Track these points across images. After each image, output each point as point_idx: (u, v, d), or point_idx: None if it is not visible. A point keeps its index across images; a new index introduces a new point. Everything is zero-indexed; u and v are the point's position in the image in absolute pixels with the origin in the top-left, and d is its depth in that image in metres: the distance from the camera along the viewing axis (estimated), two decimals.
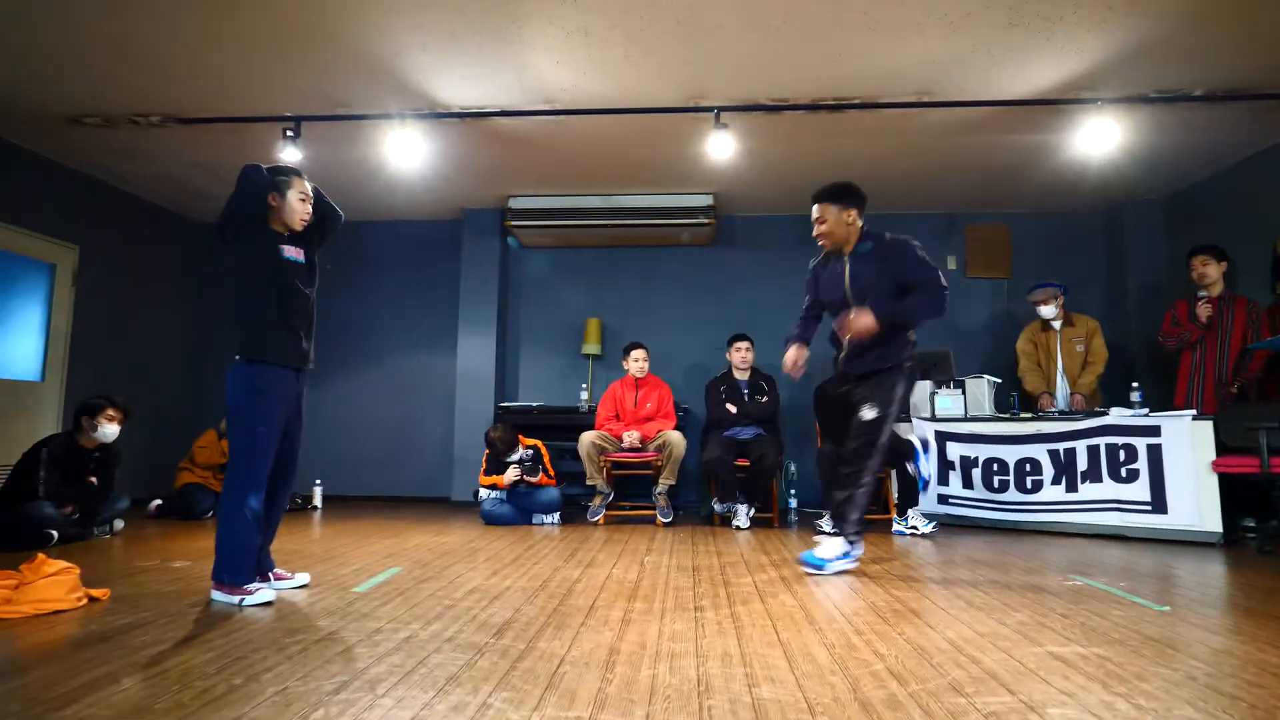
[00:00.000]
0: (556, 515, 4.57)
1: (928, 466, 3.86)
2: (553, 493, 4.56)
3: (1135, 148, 4.57)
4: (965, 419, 4.74)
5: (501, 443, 4.53)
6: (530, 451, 4.56)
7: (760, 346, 5.08)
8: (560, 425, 5.51)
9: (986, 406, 4.83)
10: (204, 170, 5.19)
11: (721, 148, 4.31)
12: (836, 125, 4.45)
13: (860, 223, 3.10)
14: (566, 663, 1.71)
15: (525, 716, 1.38)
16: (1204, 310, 4.28)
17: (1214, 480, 3.87)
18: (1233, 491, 3.95)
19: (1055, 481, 4.30)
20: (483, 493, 4.54)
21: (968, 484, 4.58)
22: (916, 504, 4.29)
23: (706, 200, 5.72)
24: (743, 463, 4.60)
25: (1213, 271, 4.32)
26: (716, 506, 4.64)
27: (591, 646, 1.85)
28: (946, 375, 4.90)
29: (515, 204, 5.83)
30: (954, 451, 4.65)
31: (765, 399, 4.89)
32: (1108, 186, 5.37)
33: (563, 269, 6.29)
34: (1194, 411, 4.02)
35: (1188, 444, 3.94)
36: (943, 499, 4.62)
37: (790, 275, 6.06)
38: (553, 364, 6.22)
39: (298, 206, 2.44)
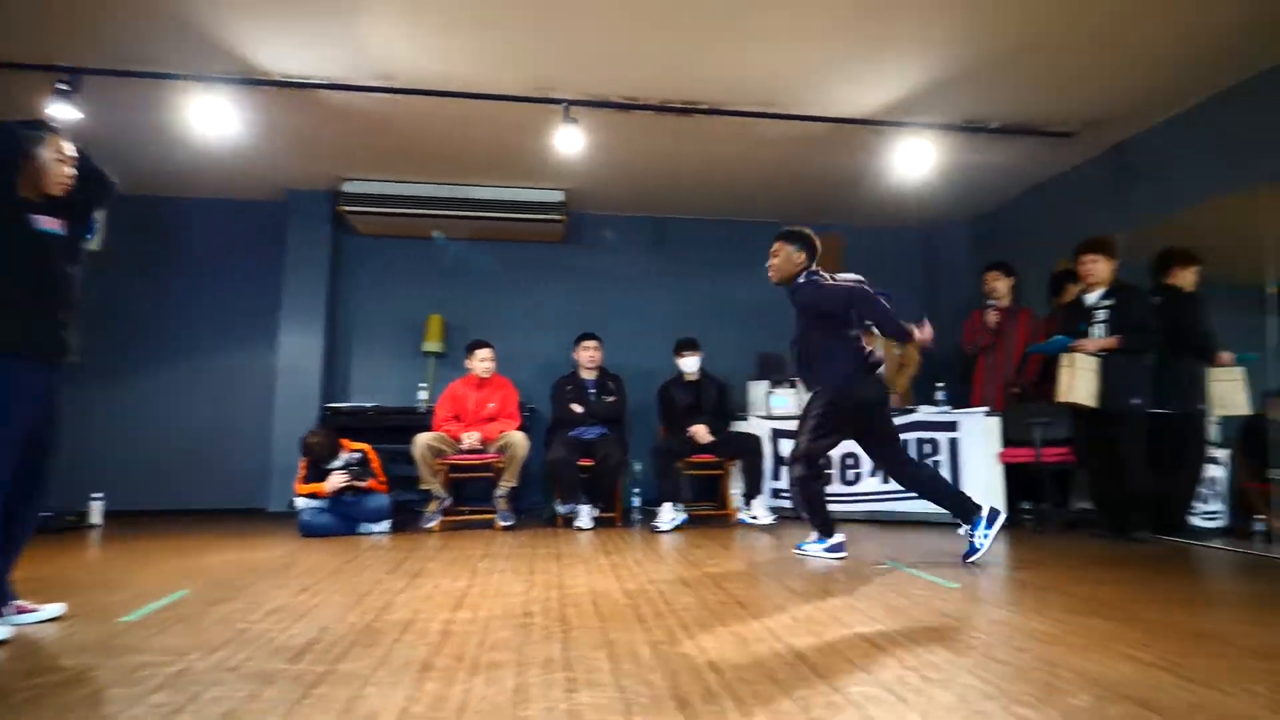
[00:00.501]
0: (386, 524, 4.29)
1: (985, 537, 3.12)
2: (381, 499, 4.27)
3: (948, 172, 5.03)
4: (796, 416, 5.00)
5: (321, 448, 4.17)
6: (358, 455, 4.25)
7: (609, 346, 5.08)
8: (396, 427, 5.20)
9: None
10: None
11: (570, 142, 4.25)
12: (685, 128, 4.54)
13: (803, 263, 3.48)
14: (371, 684, 1.56)
15: None
16: (992, 317, 4.80)
17: (1000, 469, 4.35)
18: (1015, 479, 4.46)
19: (872, 474, 4.64)
20: (299, 502, 4.16)
21: None
22: (760, 492, 4.52)
23: (558, 196, 5.65)
24: (587, 463, 4.57)
25: (1001, 286, 4.86)
26: (559, 508, 4.57)
27: (403, 663, 1.71)
28: (782, 375, 5.15)
29: (350, 188, 5.45)
30: (786, 448, 4.88)
31: (612, 399, 4.89)
32: (925, 206, 5.89)
33: (402, 261, 5.95)
34: (986, 409, 4.50)
35: (980, 438, 4.40)
36: (775, 493, 4.84)
37: (641, 276, 6.17)
38: (389, 362, 5.88)
39: (54, 169, 2.07)
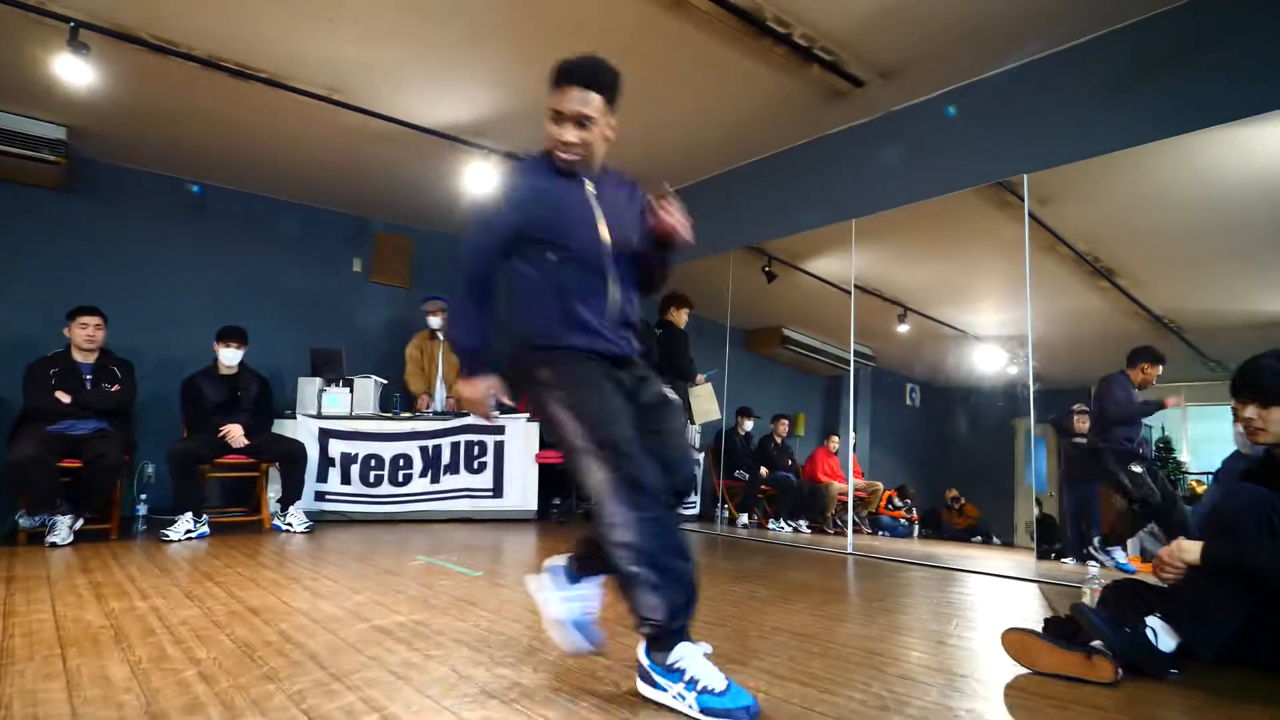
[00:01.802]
0: None
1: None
2: None
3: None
4: (350, 416, 4.90)
5: None
6: None
7: (117, 324, 4.22)
8: None
9: (371, 405, 5.09)
10: None
11: (75, 72, 3.48)
12: (241, 93, 4.09)
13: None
14: None
15: None
16: None
17: (535, 469, 4.94)
18: (547, 477, 5.12)
19: (423, 474, 4.82)
20: None
21: (346, 480, 4.73)
22: (299, 499, 4.25)
23: (57, 133, 4.52)
24: (73, 464, 3.74)
25: None
26: (23, 520, 3.64)
27: None
28: (337, 373, 4.98)
29: None
30: (335, 449, 4.75)
31: (116, 388, 4.08)
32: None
33: None
34: (528, 415, 5.06)
35: (522, 441, 4.94)
36: (320, 495, 4.65)
37: (170, 246, 5.28)
38: None
39: None
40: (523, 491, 4.92)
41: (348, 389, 4.96)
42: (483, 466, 4.87)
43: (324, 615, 2.19)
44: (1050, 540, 3.91)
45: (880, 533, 5.44)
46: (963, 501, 5.22)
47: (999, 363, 4.84)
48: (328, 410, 4.88)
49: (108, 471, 3.77)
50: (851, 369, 4.60)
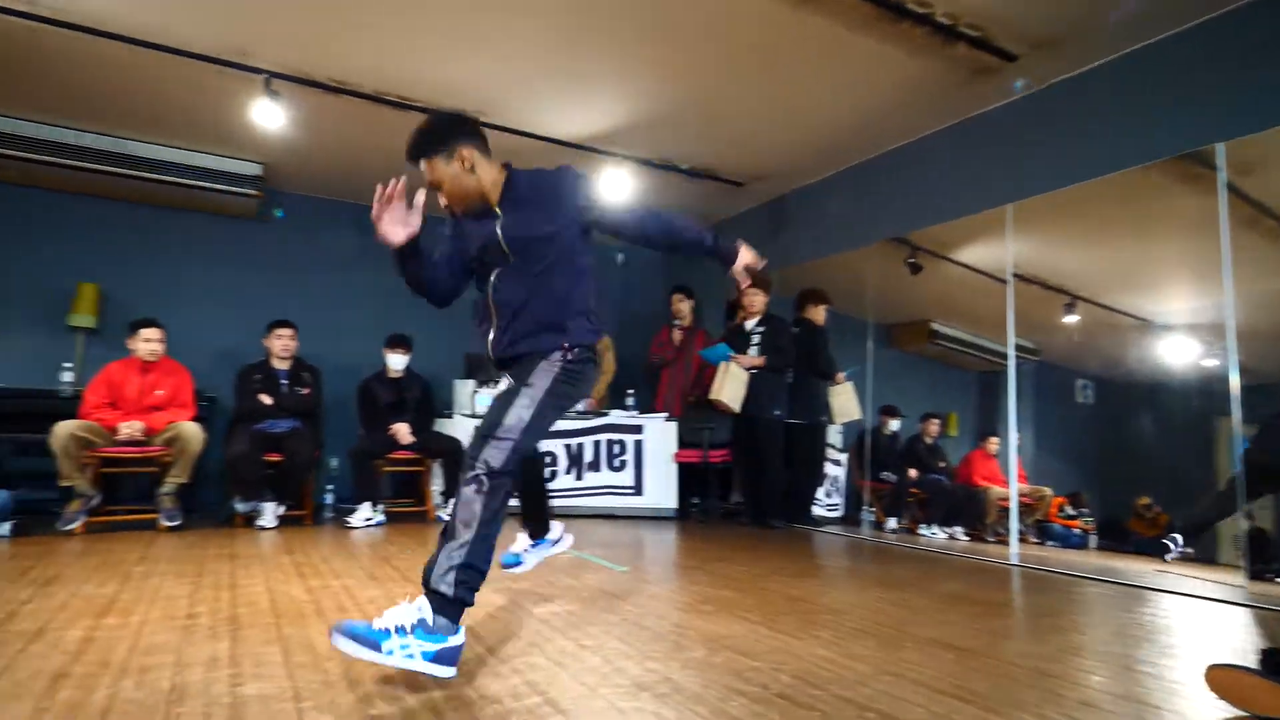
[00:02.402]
0: (6, 526, 3.57)
1: None
2: None
3: (645, 200, 5.65)
4: None
5: None
6: None
7: (306, 335, 4.78)
8: (29, 413, 4.33)
9: None
10: None
11: (271, 117, 3.96)
12: (402, 123, 4.47)
13: None
14: None
15: None
16: (676, 335, 5.53)
17: (674, 468, 5.02)
18: (686, 477, 5.18)
19: (568, 471, 5.04)
20: None
21: None
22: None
23: (254, 169, 5.17)
24: (275, 458, 4.27)
25: (684, 307, 5.60)
26: (239, 506, 4.21)
27: (28, 675, 1.54)
28: (487, 376, 5.31)
29: None
30: None
31: (306, 391, 4.61)
32: None
33: (46, 217, 4.95)
34: (666, 415, 5.16)
35: (660, 440, 5.03)
36: None
37: (345, 264, 5.87)
38: (22, 335, 4.85)
39: None
40: (662, 489, 5.02)
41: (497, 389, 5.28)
42: (623, 464, 5.02)
43: (488, 601, 2.36)
44: (1266, 558, 3.42)
45: (1050, 543, 5.02)
46: (1156, 510, 4.69)
47: (1191, 354, 4.31)
48: (480, 410, 5.22)
49: (302, 465, 4.28)
50: (1011, 363, 4.28)
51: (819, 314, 5.17)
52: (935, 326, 5.62)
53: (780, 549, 3.82)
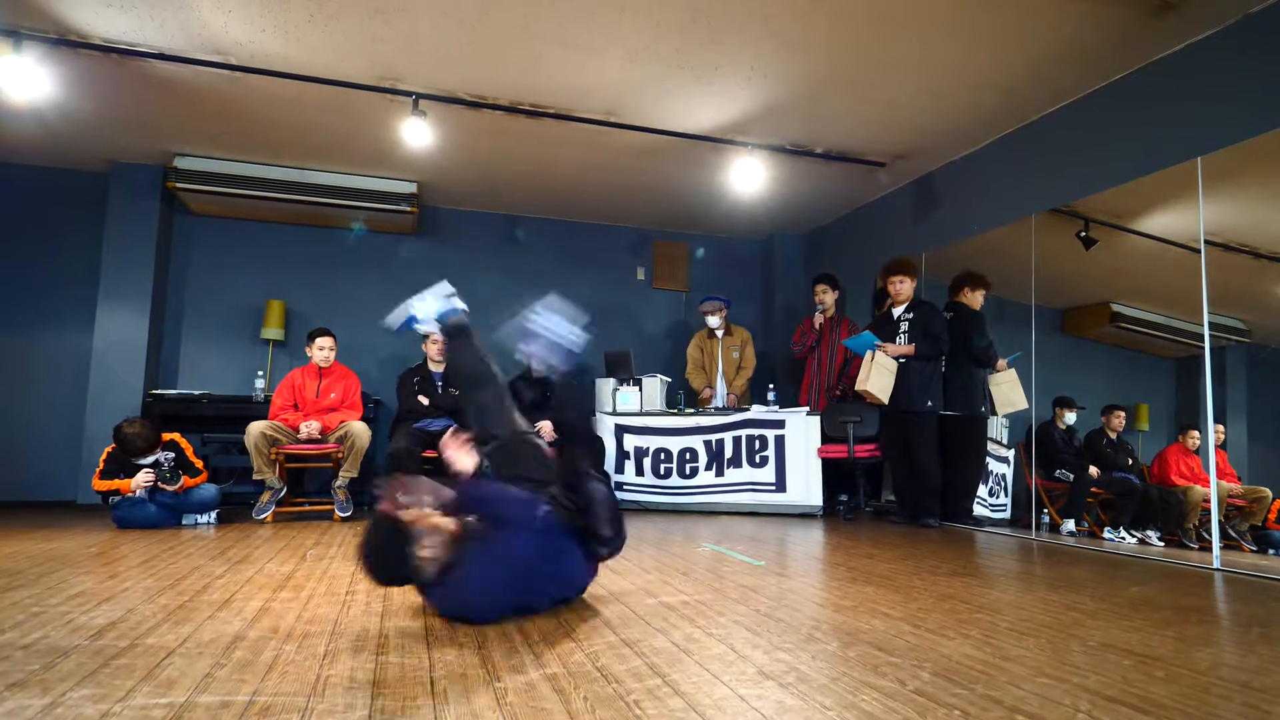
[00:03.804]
0: (213, 515, 4.10)
1: None
2: (208, 490, 4.07)
3: (780, 189, 5.49)
4: (640, 413, 5.28)
5: (140, 439, 3.86)
6: (170, 456, 3.96)
7: None
8: (230, 416, 4.98)
9: (659, 402, 5.43)
10: None
11: (419, 135, 4.26)
12: (536, 131, 4.67)
13: None
14: (176, 655, 1.58)
15: (104, 710, 1.26)
16: (818, 319, 5.32)
17: (818, 464, 4.82)
18: (833, 473, 4.96)
19: (708, 468, 5.00)
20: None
21: (640, 472, 5.10)
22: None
23: (409, 188, 5.59)
24: (432, 454, 4.58)
25: (828, 297, 5.38)
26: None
27: (212, 637, 1.73)
28: (627, 374, 5.40)
29: (183, 164, 5.12)
30: (629, 443, 5.15)
31: (458, 391, 4.92)
32: (762, 219, 6.37)
33: (241, 244, 5.66)
34: (808, 408, 4.97)
35: (803, 435, 4.86)
36: (617, 486, 5.08)
37: (494, 271, 6.21)
38: (225, 349, 5.57)
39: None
40: (806, 486, 4.84)
41: (637, 388, 5.35)
42: (764, 460, 4.90)
43: (618, 588, 2.38)
44: None
45: (1271, 551, 4.30)
46: None
47: None
48: (621, 408, 5.31)
49: None
50: (1206, 345, 3.70)
51: (976, 299, 4.77)
52: (1117, 308, 4.99)
53: (934, 548, 3.55)
